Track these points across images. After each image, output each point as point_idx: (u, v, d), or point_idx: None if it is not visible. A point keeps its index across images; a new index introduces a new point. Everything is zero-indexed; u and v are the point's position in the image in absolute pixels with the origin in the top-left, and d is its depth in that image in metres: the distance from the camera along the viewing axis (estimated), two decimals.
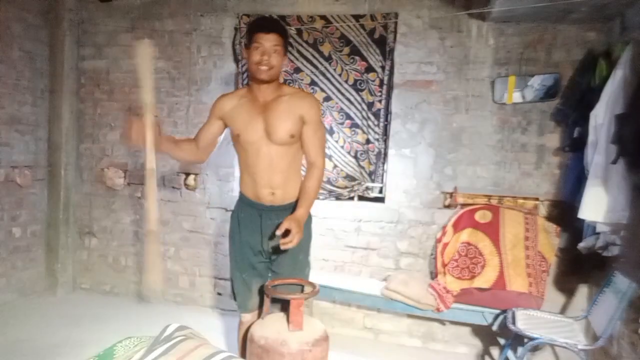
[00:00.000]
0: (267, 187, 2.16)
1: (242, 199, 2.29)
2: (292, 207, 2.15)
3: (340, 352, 3.06)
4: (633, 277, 2.32)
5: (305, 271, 2.29)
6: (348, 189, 3.48)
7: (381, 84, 3.41)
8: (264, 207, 2.19)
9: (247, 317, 2.30)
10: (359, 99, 3.45)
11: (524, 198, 3.13)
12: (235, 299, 2.33)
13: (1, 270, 3.63)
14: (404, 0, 3.33)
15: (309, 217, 2.24)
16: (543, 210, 3.14)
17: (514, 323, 2.55)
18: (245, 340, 2.18)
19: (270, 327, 1.99)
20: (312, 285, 2.14)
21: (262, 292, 2.23)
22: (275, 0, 3.55)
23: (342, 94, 3.46)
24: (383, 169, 3.49)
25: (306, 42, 3.50)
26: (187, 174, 3.82)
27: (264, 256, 2.26)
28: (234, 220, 2.32)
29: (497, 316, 2.87)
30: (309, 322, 2.05)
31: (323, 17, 3.45)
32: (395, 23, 3.34)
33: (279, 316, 2.10)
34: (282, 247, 1.96)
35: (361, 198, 3.56)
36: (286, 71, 3.55)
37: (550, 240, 3.02)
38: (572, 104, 3.00)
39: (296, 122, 2.10)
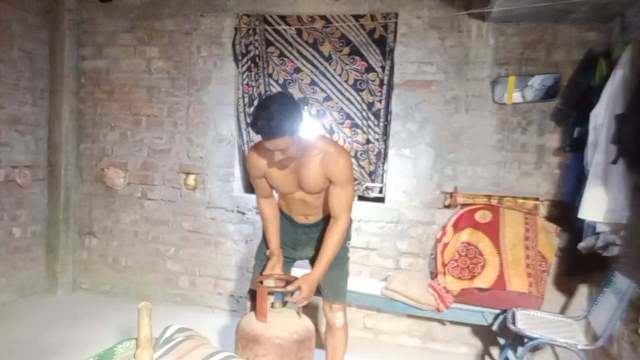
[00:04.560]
0: (301, 216, 2.36)
1: (281, 210, 2.43)
2: (326, 220, 2.28)
3: None
4: (633, 277, 2.32)
5: (344, 292, 2.40)
6: None
7: (381, 84, 3.41)
8: (299, 224, 2.39)
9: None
10: (359, 99, 3.45)
11: (524, 198, 3.12)
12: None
13: (1, 270, 3.63)
14: (404, 0, 3.33)
15: (349, 231, 2.37)
16: (543, 210, 3.14)
17: (514, 323, 2.55)
18: None
19: (254, 319, 2.11)
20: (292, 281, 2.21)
21: None
22: (275, 0, 3.55)
23: (342, 94, 3.46)
24: (383, 169, 3.50)
25: (306, 42, 3.50)
26: (187, 174, 3.82)
27: (290, 255, 2.45)
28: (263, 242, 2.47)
29: (497, 316, 2.87)
30: (294, 319, 2.14)
31: (323, 17, 3.45)
32: (395, 23, 3.34)
33: (275, 311, 2.18)
34: (289, 301, 2.15)
35: (361, 198, 3.56)
36: (286, 71, 3.55)
37: (550, 240, 3.02)
38: (572, 104, 3.00)
39: (325, 177, 2.14)
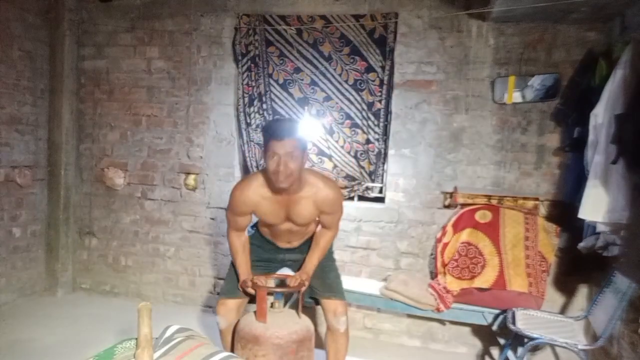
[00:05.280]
0: (284, 242, 2.40)
1: (261, 234, 2.45)
2: (308, 242, 2.40)
3: None
4: (633, 277, 2.32)
5: (339, 287, 2.43)
6: (348, 189, 3.48)
7: (381, 84, 3.41)
8: (281, 248, 2.43)
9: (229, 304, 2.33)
10: (359, 99, 3.45)
11: (524, 198, 3.12)
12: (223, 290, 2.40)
13: (1, 270, 3.63)
14: (404, 0, 3.33)
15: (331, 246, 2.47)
16: (543, 210, 3.14)
17: (514, 323, 2.55)
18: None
19: (254, 319, 2.13)
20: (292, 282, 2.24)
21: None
22: (276, 0, 3.55)
23: (342, 94, 3.46)
24: (383, 169, 3.50)
25: (306, 42, 3.50)
26: (187, 174, 3.82)
27: (267, 267, 2.46)
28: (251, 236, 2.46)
29: (497, 316, 2.87)
30: (293, 319, 2.16)
31: (323, 17, 3.45)
32: (395, 23, 3.34)
33: (275, 311, 2.20)
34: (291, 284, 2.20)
35: (361, 198, 3.56)
36: (286, 71, 3.55)
37: (550, 240, 3.02)
38: (572, 104, 3.00)
39: (316, 212, 2.24)
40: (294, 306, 2.32)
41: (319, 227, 2.38)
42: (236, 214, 2.24)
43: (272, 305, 2.16)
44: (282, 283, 2.31)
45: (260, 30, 3.57)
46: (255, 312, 2.13)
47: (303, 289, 2.19)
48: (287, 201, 2.16)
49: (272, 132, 2.01)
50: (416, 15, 3.31)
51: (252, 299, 2.21)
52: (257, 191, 2.15)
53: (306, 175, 2.16)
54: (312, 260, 2.30)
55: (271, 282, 2.29)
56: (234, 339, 2.20)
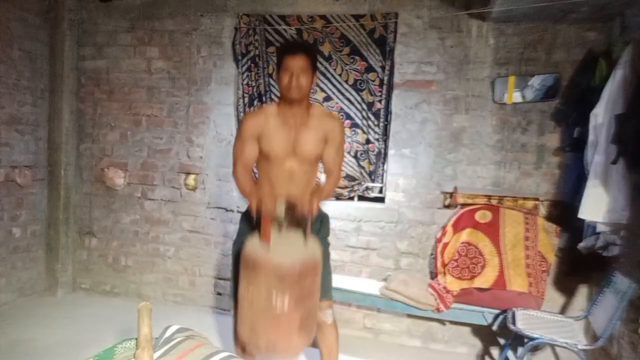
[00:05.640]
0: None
1: (250, 217, 2.34)
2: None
3: (340, 352, 3.06)
4: (633, 277, 2.32)
5: (328, 286, 2.41)
6: (348, 189, 3.48)
7: (381, 84, 3.41)
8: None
9: None
10: (359, 99, 3.45)
11: (524, 198, 3.12)
12: (234, 296, 2.31)
13: (1, 270, 3.63)
14: (404, 0, 3.33)
15: (328, 226, 2.43)
16: (543, 210, 3.14)
17: (514, 323, 2.55)
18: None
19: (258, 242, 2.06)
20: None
21: None
22: (276, 0, 3.55)
23: (342, 94, 3.46)
24: (383, 169, 3.50)
25: (306, 42, 3.49)
26: (187, 174, 3.82)
27: None
28: (244, 222, 2.38)
29: (497, 316, 2.87)
30: (299, 243, 2.07)
31: (323, 17, 3.45)
32: (395, 23, 3.34)
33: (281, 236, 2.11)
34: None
35: (361, 198, 3.56)
36: None
37: (550, 240, 3.02)
38: (572, 104, 3.00)
39: (321, 142, 2.26)
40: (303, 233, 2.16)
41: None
42: (245, 139, 2.25)
43: (280, 230, 2.09)
44: (291, 206, 2.17)
45: (260, 30, 3.57)
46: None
47: (313, 210, 2.05)
48: (294, 127, 2.22)
49: (287, 48, 2.24)
50: (416, 15, 3.31)
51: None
52: (267, 112, 2.28)
53: (312, 108, 2.31)
54: (321, 191, 2.24)
55: (281, 207, 2.14)
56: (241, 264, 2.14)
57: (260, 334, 1.98)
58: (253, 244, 2.04)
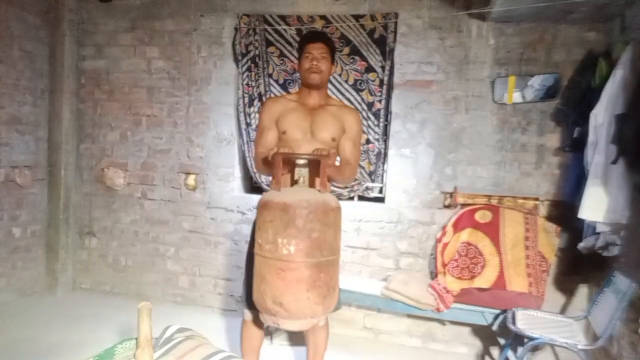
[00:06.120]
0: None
1: None
2: None
3: (340, 352, 3.07)
4: (633, 277, 2.32)
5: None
6: (348, 189, 3.48)
7: (381, 84, 3.41)
8: None
9: (250, 316, 2.29)
10: (359, 99, 3.45)
11: (524, 198, 3.13)
12: (245, 298, 2.29)
13: (1, 270, 3.63)
14: (403, 0, 3.33)
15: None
16: (543, 210, 3.14)
17: (514, 323, 2.55)
18: (247, 341, 2.31)
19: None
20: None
21: None
22: (276, 0, 3.55)
23: (342, 94, 3.46)
24: (383, 169, 3.50)
25: None
26: (187, 174, 3.82)
27: None
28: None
29: (497, 316, 2.87)
30: (312, 191, 1.99)
31: (323, 17, 3.45)
32: (395, 23, 3.34)
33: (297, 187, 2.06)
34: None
35: (361, 198, 3.56)
36: (286, 71, 3.56)
37: (550, 240, 3.02)
38: (572, 104, 3.00)
39: (339, 129, 2.29)
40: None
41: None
42: (265, 124, 2.31)
43: (296, 182, 2.06)
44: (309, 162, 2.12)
45: (260, 30, 3.57)
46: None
47: (328, 159, 1.98)
48: (312, 111, 2.28)
49: (308, 36, 2.38)
50: (416, 15, 3.31)
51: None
52: (285, 97, 2.42)
53: (331, 98, 2.41)
54: (338, 167, 2.22)
55: (300, 162, 2.09)
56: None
57: (267, 290, 1.87)
58: (269, 191, 2.00)
